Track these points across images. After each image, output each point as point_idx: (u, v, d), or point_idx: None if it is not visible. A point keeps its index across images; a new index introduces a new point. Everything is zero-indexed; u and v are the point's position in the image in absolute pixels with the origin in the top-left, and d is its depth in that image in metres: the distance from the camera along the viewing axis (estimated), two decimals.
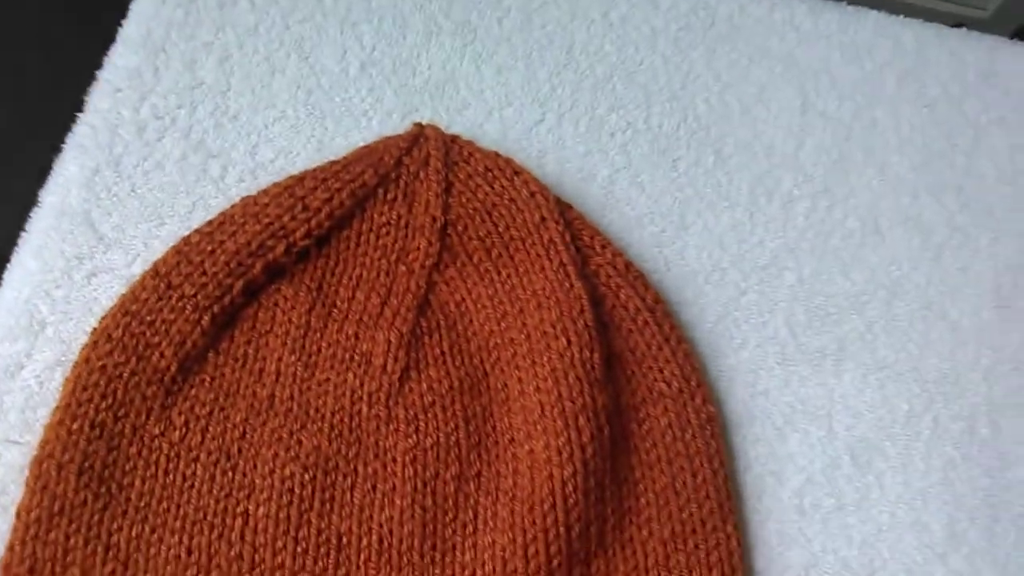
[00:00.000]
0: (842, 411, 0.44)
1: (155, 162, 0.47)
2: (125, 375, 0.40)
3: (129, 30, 0.51)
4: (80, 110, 0.49)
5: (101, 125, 0.48)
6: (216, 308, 0.42)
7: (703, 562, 0.40)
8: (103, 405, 0.40)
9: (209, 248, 0.43)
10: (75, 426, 0.39)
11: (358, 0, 0.52)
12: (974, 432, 0.44)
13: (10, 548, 0.37)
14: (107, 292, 0.44)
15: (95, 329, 0.41)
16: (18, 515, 0.38)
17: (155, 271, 0.42)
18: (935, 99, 0.52)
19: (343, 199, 0.45)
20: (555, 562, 0.38)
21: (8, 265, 0.46)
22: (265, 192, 0.45)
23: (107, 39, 0.51)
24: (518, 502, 0.40)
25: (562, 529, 0.39)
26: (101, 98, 0.49)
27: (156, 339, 0.41)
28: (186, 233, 0.44)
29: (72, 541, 0.38)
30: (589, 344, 0.41)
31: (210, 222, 0.44)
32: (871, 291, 0.47)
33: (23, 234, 0.46)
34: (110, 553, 0.38)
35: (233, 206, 0.44)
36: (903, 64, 0.53)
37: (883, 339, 0.46)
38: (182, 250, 0.43)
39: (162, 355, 0.41)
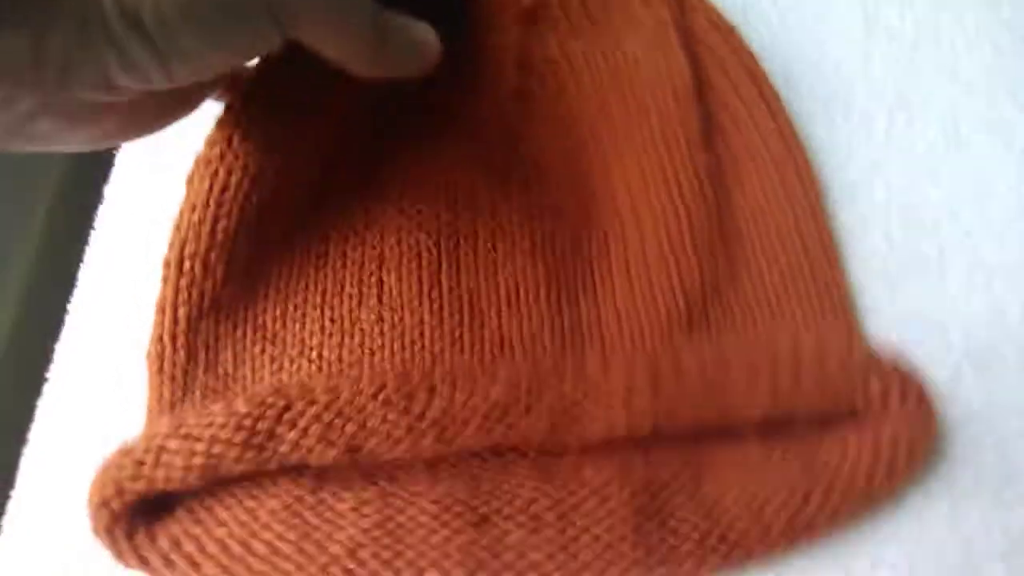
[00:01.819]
0: (954, 318, 0.43)
1: None
2: (270, 175, 0.40)
3: None
4: None
5: None
6: (346, 123, 0.43)
7: (814, 302, 0.41)
8: (248, 204, 0.40)
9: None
10: (220, 226, 0.39)
11: None
12: None
13: (158, 340, 0.39)
14: None
15: (221, 122, 0.40)
16: (162, 310, 0.39)
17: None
18: None
19: None
20: (674, 306, 0.40)
21: (82, 264, 0.45)
22: None
23: None
24: (631, 259, 0.41)
25: (677, 279, 0.40)
26: None
27: (297, 143, 0.41)
28: None
29: (223, 327, 0.40)
30: (690, 103, 0.42)
31: None
32: (963, 197, 0.46)
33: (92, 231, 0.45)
34: (258, 333, 0.40)
35: None
36: None
37: (983, 242, 0.45)
38: None
39: (304, 159, 0.42)
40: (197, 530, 0.36)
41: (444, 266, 0.41)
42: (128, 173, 0.49)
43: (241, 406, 0.35)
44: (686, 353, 0.36)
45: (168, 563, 0.36)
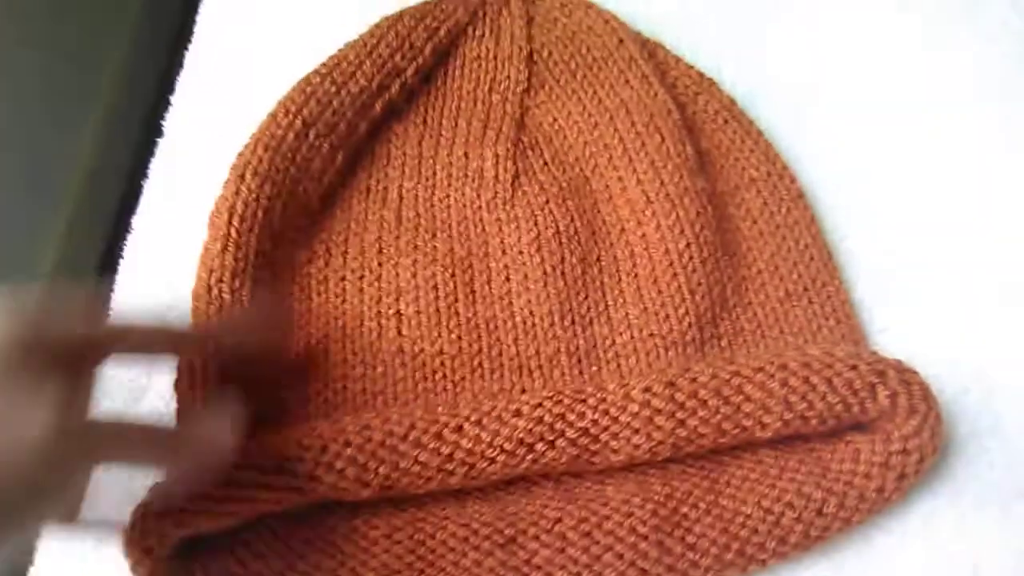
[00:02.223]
0: (963, 339, 0.44)
1: None
2: (279, 207, 0.44)
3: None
4: None
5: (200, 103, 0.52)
6: (347, 147, 0.47)
7: (819, 313, 0.43)
8: (264, 235, 0.43)
9: (334, 89, 0.47)
10: (240, 254, 0.42)
11: None
12: None
13: (188, 368, 0.40)
14: None
15: (236, 164, 0.44)
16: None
17: (285, 109, 0.46)
18: None
19: (441, 37, 0.49)
20: (685, 323, 0.42)
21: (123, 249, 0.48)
22: (370, 33, 0.49)
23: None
24: (641, 279, 0.43)
25: (686, 294, 0.42)
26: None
27: (299, 175, 0.45)
28: None
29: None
30: (682, 138, 0.45)
31: (325, 64, 0.48)
32: (972, 215, 0.47)
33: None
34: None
35: (343, 49, 0.48)
36: None
37: (992, 261, 0.46)
38: (306, 89, 0.47)
39: (305, 190, 0.45)
40: (237, 568, 0.38)
41: (461, 296, 0.43)
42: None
43: (282, 447, 0.36)
44: (702, 373, 0.37)
45: None
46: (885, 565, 0.39)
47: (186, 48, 0.54)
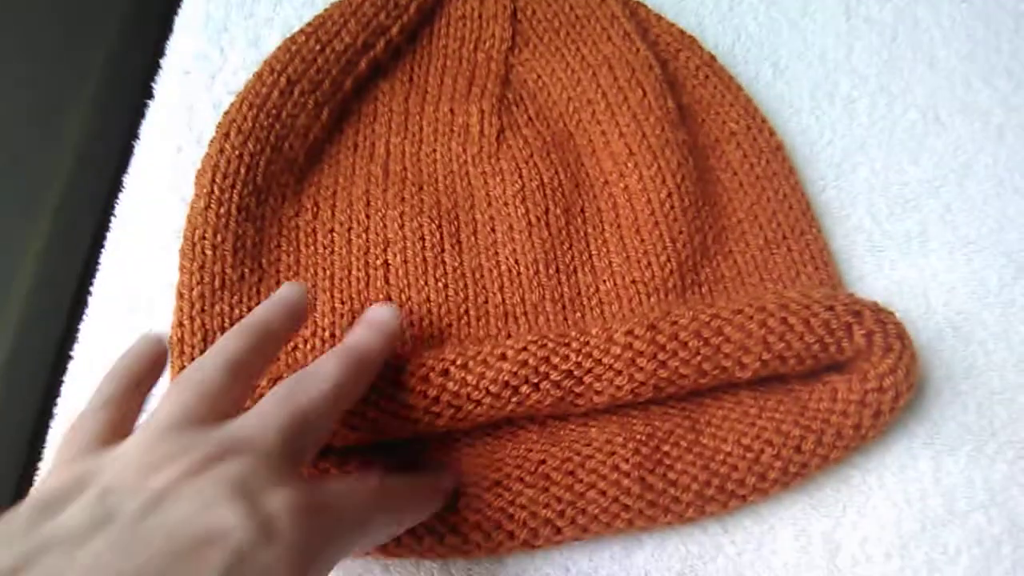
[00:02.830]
0: (936, 288, 0.45)
1: None
2: (262, 164, 0.44)
3: (186, 16, 0.52)
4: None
5: (176, 105, 0.49)
6: (332, 103, 0.47)
7: (798, 260, 0.44)
8: (246, 191, 0.43)
9: (318, 47, 0.47)
10: (223, 210, 0.43)
11: None
12: None
13: (179, 324, 0.41)
14: None
15: (221, 123, 0.45)
16: (180, 295, 0.42)
17: (270, 68, 0.46)
18: None
19: None
20: (667, 270, 0.43)
21: (102, 249, 0.47)
22: None
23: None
24: (624, 229, 0.44)
25: (668, 242, 0.43)
26: (170, 82, 0.50)
27: (284, 131, 0.45)
28: None
29: (236, 311, 0.42)
30: (663, 92, 0.46)
31: (311, 23, 0.48)
32: (943, 175, 0.48)
33: (112, 218, 0.47)
34: None
35: (328, 8, 0.49)
36: None
37: (962, 218, 0.47)
38: (291, 48, 0.47)
39: (291, 146, 0.45)
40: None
41: (447, 246, 0.44)
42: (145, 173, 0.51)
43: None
44: (682, 316, 0.38)
45: None
46: (863, 503, 0.40)
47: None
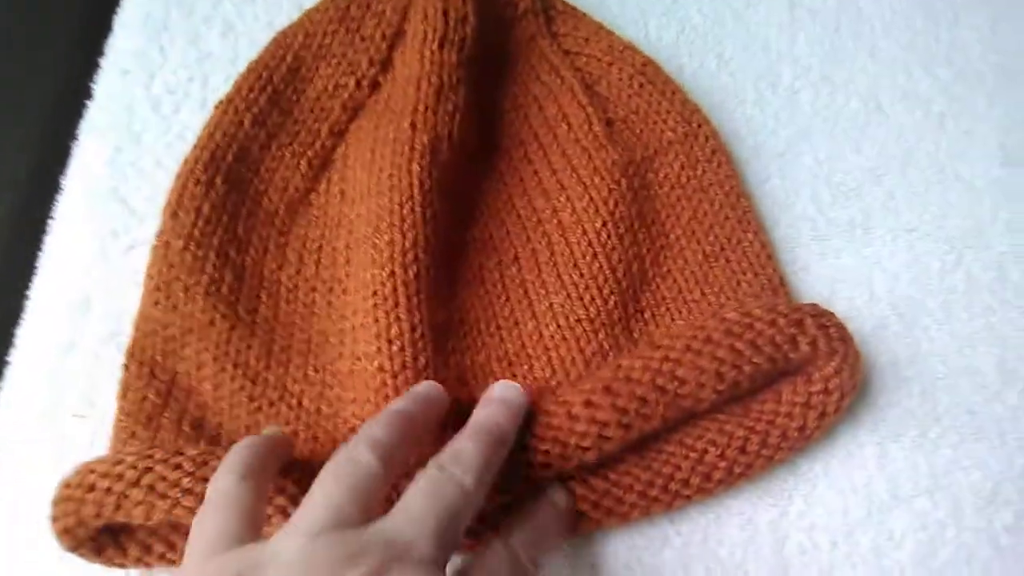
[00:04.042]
0: (879, 275, 0.45)
1: (176, 134, 0.48)
2: (243, 214, 0.44)
3: (126, 15, 0.51)
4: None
5: (114, 106, 0.49)
6: (310, 153, 0.46)
7: (737, 270, 0.43)
8: (226, 238, 0.43)
9: (294, 97, 0.46)
10: (200, 253, 0.42)
11: None
12: (1006, 279, 0.46)
13: (151, 357, 0.40)
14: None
15: (198, 167, 0.43)
16: (154, 331, 0.41)
17: (253, 118, 0.45)
18: None
19: (389, 17, 0.48)
20: (610, 302, 0.42)
21: (40, 252, 0.46)
22: (322, 29, 0.48)
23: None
24: (560, 265, 0.43)
25: (607, 273, 0.42)
26: (109, 81, 0.49)
27: (263, 186, 0.45)
28: None
29: (203, 357, 0.40)
30: (586, 119, 0.46)
31: (288, 66, 0.47)
32: (885, 163, 0.49)
33: (51, 221, 0.46)
34: (239, 371, 0.40)
35: (300, 47, 0.47)
36: None
37: (905, 205, 0.47)
38: (272, 97, 0.46)
39: (270, 199, 0.44)
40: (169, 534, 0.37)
41: (403, 300, 0.40)
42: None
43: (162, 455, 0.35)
44: (634, 368, 0.36)
45: (142, 560, 0.37)
46: (809, 491, 0.40)
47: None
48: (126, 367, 0.40)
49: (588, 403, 0.36)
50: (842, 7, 0.54)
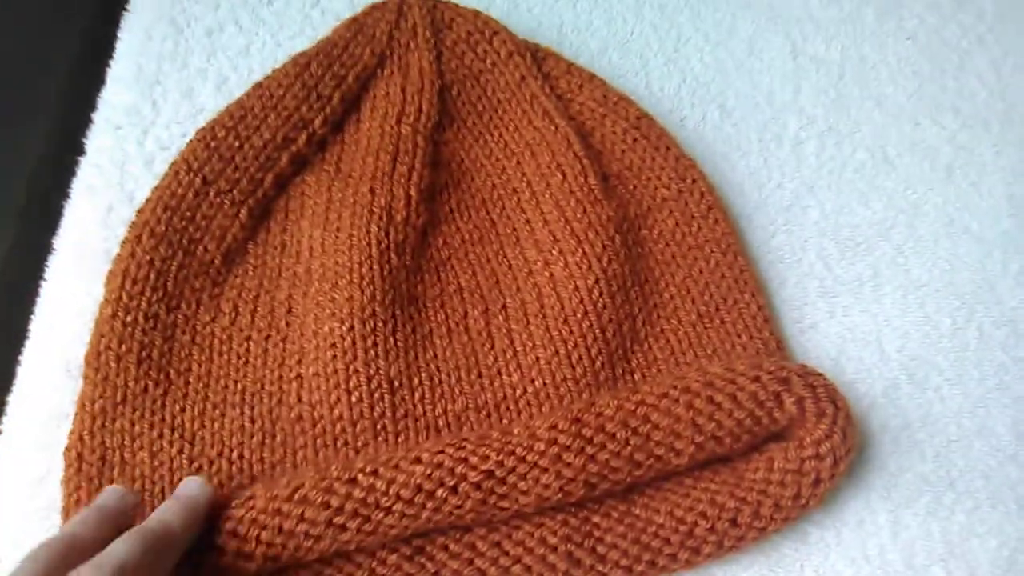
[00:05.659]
0: (889, 333, 0.44)
1: None
2: (173, 268, 0.42)
3: (119, 68, 0.51)
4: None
5: (107, 164, 0.48)
6: (251, 201, 0.45)
7: (731, 332, 0.42)
8: (155, 297, 0.42)
9: (237, 144, 0.45)
10: (129, 318, 0.41)
11: (346, 12, 0.51)
12: (1019, 334, 0.45)
13: (78, 439, 0.39)
14: None
15: (134, 223, 0.43)
16: (82, 406, 0.40)
17: (187, 166, 0.44)
18: (915, 30, 0.54)
19: (350, 83, 0.48)
20: (598, 362, 0.41)
21: (32, 316, 0.45)
22: (277, 82, 0.47)
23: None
24: (550, 319, 0.42)
25: (597, 331, 0.42)
26: (101, 137, 0.49)
27: (199, 234, 0.44)
28: None
29: (138, 427, 0.39)
30: (582, 171, 0.45)
31: (230, 114, 0.46)
32: (893, 217, 0.48)
33: (43, 282, 0.45)
34: (176, 433, 0.40)
35: (248, 96, 0.47)
36: (879, 1, 0.55)
37: (914, 260, 0.47)
38: (210, 145, 0.45)
39: (206, 249, 0.44)
40: None
41: (360, 353, 0.40)
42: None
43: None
44: (607, 406, 0.36)
45: None
46: (820, 561, 0.39)
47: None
48: (64, 461, 0.39)
49: (553, 427, 0.36)
50: (846, 54, 0.53)
